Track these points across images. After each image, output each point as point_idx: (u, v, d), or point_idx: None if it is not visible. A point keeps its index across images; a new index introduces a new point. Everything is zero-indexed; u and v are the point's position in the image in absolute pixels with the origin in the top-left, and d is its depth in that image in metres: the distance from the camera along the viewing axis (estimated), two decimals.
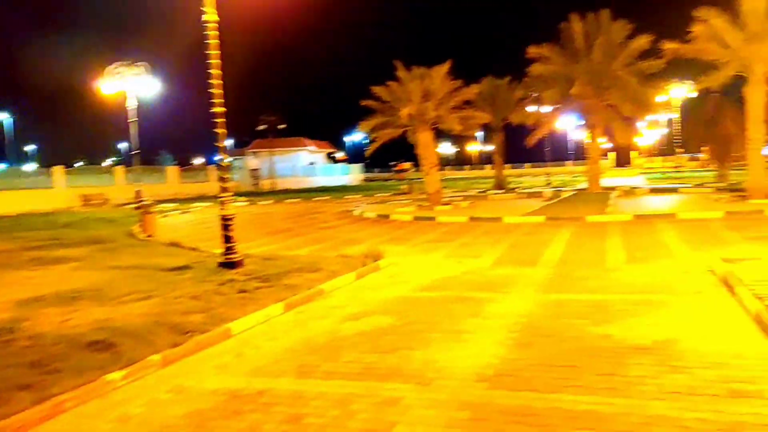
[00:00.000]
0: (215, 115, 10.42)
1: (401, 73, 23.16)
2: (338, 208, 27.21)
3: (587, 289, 8.20)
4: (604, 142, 25.28)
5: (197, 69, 11.91)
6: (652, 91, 24.77)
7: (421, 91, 22.58)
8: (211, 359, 6.05)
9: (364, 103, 23.85)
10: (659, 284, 8.17)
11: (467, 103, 24.66)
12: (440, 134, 24.96)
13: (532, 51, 25.07)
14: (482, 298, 7.98)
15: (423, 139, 22.98)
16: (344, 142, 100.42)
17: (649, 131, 70.13)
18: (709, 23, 17.16)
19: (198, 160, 73.44)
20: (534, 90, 26.80)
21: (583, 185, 33.55)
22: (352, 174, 69.52)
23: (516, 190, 31.33)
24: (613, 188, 26.48)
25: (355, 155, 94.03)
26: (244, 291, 8.51)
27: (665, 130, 73.15)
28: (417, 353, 5.84)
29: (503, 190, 30.95)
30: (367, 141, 35.57)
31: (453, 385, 4.94)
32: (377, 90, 23.41)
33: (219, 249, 10.69)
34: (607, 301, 7.35)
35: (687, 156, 61.36)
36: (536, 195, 25.96)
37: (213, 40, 10.35)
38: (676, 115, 37.82)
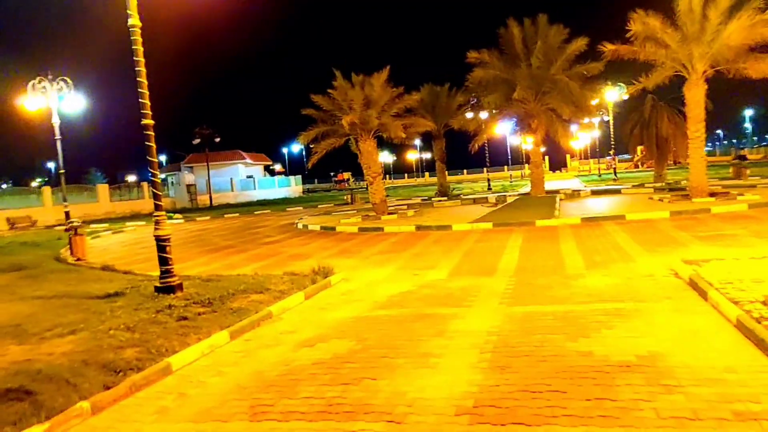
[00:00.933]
0: (145, 127, 9.51)
1: (340, 81, 22.57)
2: (280, 221, 26.28)
3: (553, 299, 7.80)
4: (532, 147, 25.36)
5: (127, 82, 11.01)
6: (591, 94, 25.19)
7: (363, 99, 22.06)
8: (150, 402, 5.25)
9: (304, 112, 23.13)
10: (626, 291, 7.86)
11: (408, 111, 24.34)
12: (380, 143, 24.50)
13: (472, 56, 25.05)
14: (445, 314, 7.43)
15: (366, 147, 22.45)
16: (282, 154, 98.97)
17: (583, 134, 72.17)
18: (646, 24, 17.41)
19: (131, 177, 70.38)
20: (475, 95, 26.78)
21: (525, 189, 33.93)
22: (292, 186, 68.26)
23: (460, 196, 31.23)
24: (556, 191, 26.74)
25: (293, 167, 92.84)
26: (184, 318, 7.67)
27: (597, 133, 75.48)
28: (383, 383, 5.21)
29: (447, 197, 30.78)
30: (306, 152, 34.85)
31: (430, 422, 4.34)
32: (317, 99, 22.73)
33: (155, 272, 9.75)
34: (577, 313, 6.94)
35: (618, 158, 63.52)
36: (481, 201, 25.86)
37: (138, 47, 9.47)
38: (608, 119, 38.76)
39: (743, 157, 37.55)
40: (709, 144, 63.85)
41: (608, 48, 18.61)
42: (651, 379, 4.75)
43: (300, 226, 21.74)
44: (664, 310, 6.72)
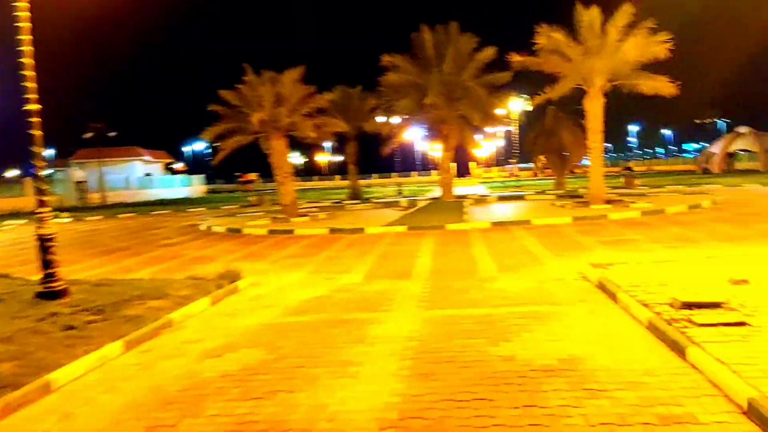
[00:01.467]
0: (30, 113, 8.52)
1: (250, 76, 21.75)
2: (181, 222, 24.93)
3: (470, 302, 7.71)
4: (443, 153, 25.85)
5: (9, 68, 9.83)
6: (499, 103, 25.92)
7: (273, 96, 21.36)
8: (29, 425, 4.60)
9: (211, 108, 22.04)
10: (539, 294, 7.91)
11: (320, 111, 23.90)
12: (290, 144, 23.88)
13: (386, 60, 25.02)
14: (363, 319, 7.13)
15: (276, 146, 21.75)
16: (184, 152, 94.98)
17: (486, 142, 74.79)
18: (551, 37, 18.09)
19: (12, 172, 64.62)
20: (388, 99, 26.78)
21: (434, 194, 34.42)
22: (194, 186, 65.50)
23: (372, 200, 31.16)
24: (464, 197, 27.27)
25: (196, 166, 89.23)
26: (71, 328, 6.85)
27: (501, 142, 78.62)
28: (301, 396, 4.82)
29: (359, 201, 30.59)
30: (211, 150, 33.48)
31: None
32: (225, 94, 21.76)
33: (37, 275, 8.74)
34: (495, 316, 6.87)
35: (520, 166, 66.47)
36: (393, 205, 25.86)
37: (24, 23, 8.49)
38: (512, 128, 40.35)
39: (630, 169, 40.43)
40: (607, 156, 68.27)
41: (516, 59, 19.17)
42: (575, 383, 4.68)
43: (203, 227, 20.68)
44: (579, 313, 6.79)
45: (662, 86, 17.71)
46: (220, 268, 10.18)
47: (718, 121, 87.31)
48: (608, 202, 19.05)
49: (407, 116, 27.38)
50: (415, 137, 45.68)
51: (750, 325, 5.34)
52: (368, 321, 7.02)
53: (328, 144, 61.48)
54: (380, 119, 30.45)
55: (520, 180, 46.75)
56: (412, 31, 25.74)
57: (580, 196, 23.65)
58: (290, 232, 17.70)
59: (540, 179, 60.61)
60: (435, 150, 75.55)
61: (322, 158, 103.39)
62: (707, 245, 10.88)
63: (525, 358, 5.34)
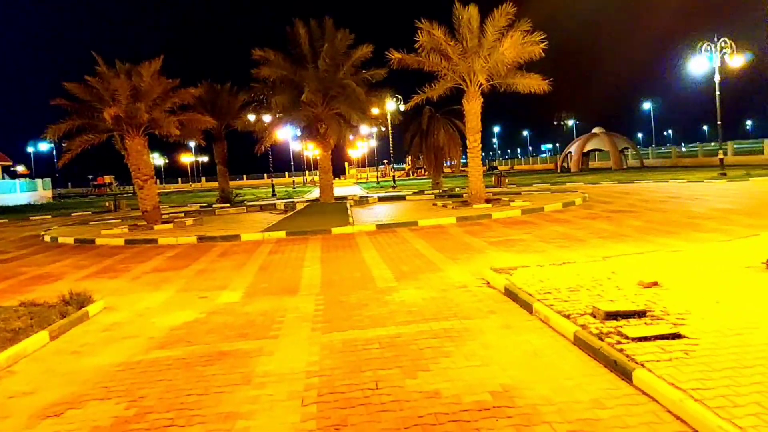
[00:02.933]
0: None
1: (102, 68, 19.28)
2: (21, 233, 21.67)
3: (373, 320, 6.77)
4: (321, 152, 24.83)
5: None
6: (377, 101, 25.40)
7: (130, 90, 19.06)
8: None
9: (55, 102, 19.27)
10: (446, 306, 7.17)
11: (185, 107, 21.86)
12: (152, 143, 21.61)
13: (257, 53, 23.56)
14: (247, 350, 5.93)
15: (134, 146, 19.45)
16: (28, 154, 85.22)
17: (360, 143, 74.81)
18: (432, 35, 17.74)
19: None
20: (262, 95, 25.27)
21: (312, 195, 33.28)
22: (39, 191, 58.54)
23: (245, 203, 29.31)
24: (344, 198, 26.44)
25: (42, 169, 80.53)
26: None
27: (374, 142, 78.98)
28: None
29: (230, 204, 28.64)
30: (58, 152, 29.63)
31: None
32: (72, 87, 19.11)
33: None
34: (405, 338, 5.99)
35: (395, 166, 67.11)
36: (269, 207, 24.38)
37: None
38: (385, 128, 40.11)
39: (496, 168, 42.28)
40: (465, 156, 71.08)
41: (395, 56, 18.63)
42: (520, 426, 3.88)
43: (48, 238, 17.94)
44: (494, 328, 6.09)
45: (537, 84, 18.04)
46: (65, 290, 8.38)
47: (571, 122, 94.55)
48: (488, 201, 19.12)
49: (281, 114, 26.00)
50: (289, 136, 44.09)
51: (686, 336, 4.90)
52: (254, 352, 5.84)
53: (193, 143, 57.74)
54: (252, 117, 28.79)
55: (397, 180, 46.85)
56: (286, 25, 24.52)
57: (459, 196, 23.78)
58: (153, 241, 15.76)
59: (414, 179, 61.69)
60: (309, 150, 74.39)
61: (187, 159, 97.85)
62: (595, 244, 10.86)
63: (452, 394, 4.48)
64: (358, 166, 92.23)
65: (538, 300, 6.54)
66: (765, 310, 5.46)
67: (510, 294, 7.23)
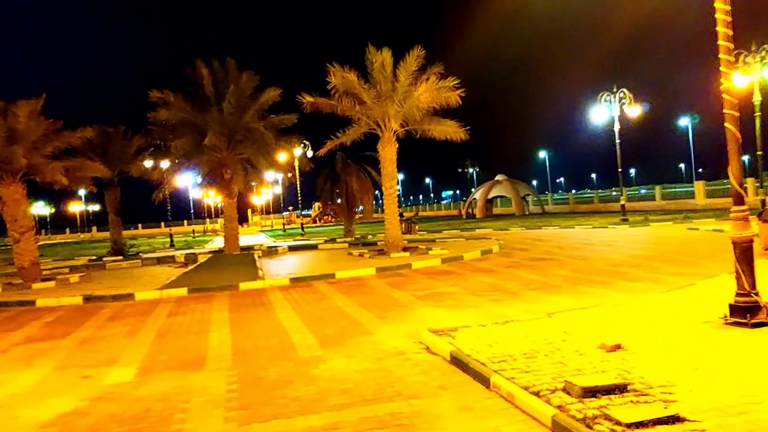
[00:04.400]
0: None
1: None
2: None
3: (300, 404, 5.57)
4: (226, 200, 23.21)
5: None
6: (287, 146, 24.32)
7: (5, 131, 16.85)
8: None
9: None
10: (386, 380, 6.10)
11: (72, 152, 19.75)
12: (34, 190, 19.23)
13: (155, 95, 21.91)
14: None
15: (11, 194, 17.09)
16: None
17: (265, 189, 72.94)
18: (344, 78, 17.11)
19: None
20: (160, 140, 23.47)
21: (214, 246, 31.24)
22: None
23: (140, 255, 26.83)
24: (250, 248, 24.82)
25: None
26: None
27: (278, 189, 77.33)
28: None
29: (123, 257, 26.10)
30: None
31: None
32: None
33: None
34: (344, 429, 4.86)
35: (300, 213, 65.58)
36: (168, 260, 22.29)
37: None
38: (290, 174, 38.98)
39: (401, 214, 42.10)
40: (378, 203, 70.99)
41: (306, 99, 17.82)
42: None
43: None
44: (451, 412, 5.10)
45: (453, 132, 17.80)
46: None
47: (472, 170, 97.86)
48: (405, 249, 18.41)
49: (181, 159, 24.24)
50: (189, 182, 41.79)
51: (687, 419, 4.15)
52: None
53: (83, 191, 53.52)
54: (149, 163, 26.74)
55: (305, 227, 45.46)
56: (187, 67, 23.11)
57: (374, 244, 22.99)
58: (29, 303, 13.57)
59: (321, 226, 60.54)
60: (210, 197, 71.39)
61: (77, 207, 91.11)
62: (529, 297, 10.27)
63: None
64: (262, 213, 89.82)
65: (495, 371, 5.65)
66: (755, 379, 4.87)
67: (458, 363, 6.29)
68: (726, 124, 6.69)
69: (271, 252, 22.98)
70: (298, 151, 33.93)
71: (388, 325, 8.80)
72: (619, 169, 29.23)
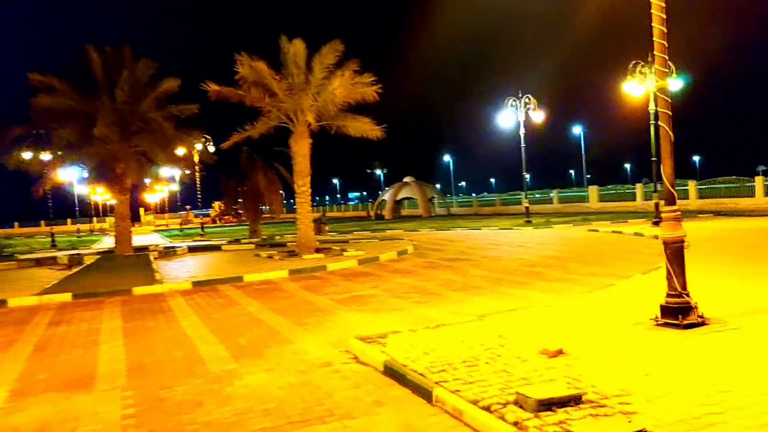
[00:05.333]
0: None
1: None
2: None
3: (215, 430, 4.76)
4: (117, 196, 21.22)
5: None
6: (189, 139, 22.71)
7: None
8: None
9: None
10: (313, 396, 5.41)
11: None
12: None
13: (35, 78, 19.70)
14: None
15: None
16: None
17: (161, 186, 69.10)
18: (254, 68, 16.10)
19: None
20: (41, 128, 21.13)
21: (103, 246, 28.82)
22: None
23: (16, 256, 24.07)
24: (144, 249, 22.96)
25: None
26: None
27: (175, 186, 73.55)
28: None
29: None
30: None
31: None
32: None
33: None
34: None
35: (199, 212, 62.65)
36: (48, 262, 20.09)
37: None
38: (187, 171, 36.87)
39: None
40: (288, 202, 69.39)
41: (212, 88, 16.60)
42: None
43: None
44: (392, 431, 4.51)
45: (369, 129, 17.29)
46: None
47: (379, 171, 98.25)
48: (318, 251, 17.65)
49: (66, 151, 21.99)
50: (74, 177, 38.41)
51: None
52: None
53: None
54: (28, 154, 24.08)
55: (205, 227, 43.26)
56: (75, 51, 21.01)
57: (283, 245, 22.03)
58: None
59: (222, 226, 58.12)
60: (99, 194, 66.55)
61: None
62: (453, 298, 9.91)
63: None
64: (157, 212, 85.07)
65: (437, 383, 5.13)
66: (707, 385, 4.66)
67: (393, 374, 5.72)
68: (659, 123, 6.61)
69: (168, 253, 21.33)
70: (199, 146, 32.12)
71: (309, 332, 8.07)
72: (524, 173, 30.10)
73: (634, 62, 21.85)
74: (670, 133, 6.54)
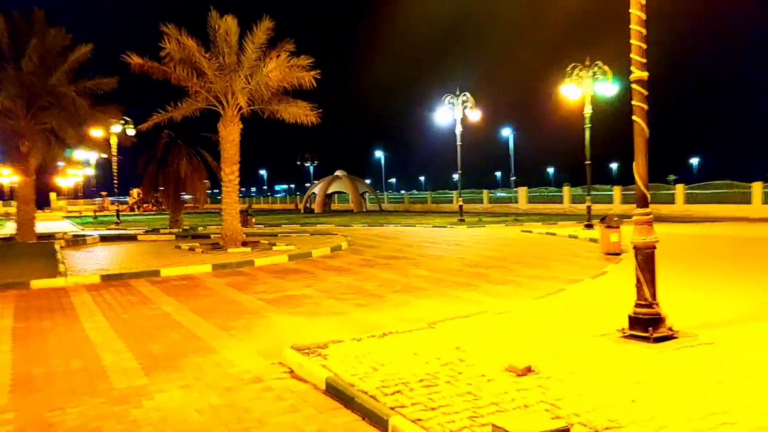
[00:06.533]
0: None
1: None
2: None
3: None
4: (21, 177, 19.06)
5: None
6: (103, 119, 20.75)
7: None
8: None
9: None
10: (243, 426, 4.45)
11: None
12: None
13: None
14: None
15: None
16: None
17: (74, 170, 64.68)
18: (182, 44, 14.69)
19: None
20: None
21: (3, 232, 26.18)
22: None
23: None
24: (51, 237, 20.86)
25: None
26: None
27: (91, 170, 69.18)
28: None
29: None
30: None
31: None
32: None
33: None
34: None
35: (116, 199, 59.00)
36: None
37: None
38: (104, 156, 34.32)
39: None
40: (219, 191, 66.35)
41: (135, 60, 15.03)
42: None
43: None
44: None
45: (305, 114, 16.25)
46: None
47: (308, 164, 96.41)
48: (245, 244, 16.45)
49: None
50: None
51: None
52: None
53: None
54: None
55: (121, 216, 40.50)
56: None
57: (207, 236, 20.62)
58: None
59: (140, 215, 55.03)
60: (5, 175, 61.41)
61: None
62: (396, 300, 9.14)
63: None
64: (70, 198, 79.79)
65: (393, 408, 4.32)
66: (702, 413, 4.09)
67: (338, 395, 4.85)
68: (634, 118, 6.07)
69: (77, 242, 19.40)
70: (117, 128, 29.81)
71: (235, 338, 7.06)
72: (459, 171, 29.79)
73: (572, 65, 21.91)
74: (645, 129, 6.02)
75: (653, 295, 5.94)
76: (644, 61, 5.97)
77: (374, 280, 11.16)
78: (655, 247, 6.04)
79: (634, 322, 5.97)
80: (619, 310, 7.22)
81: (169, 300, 9.65)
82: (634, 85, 6.03)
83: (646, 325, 5.85)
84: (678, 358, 5.33)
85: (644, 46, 5.99)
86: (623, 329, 6.09)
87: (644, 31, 6.00)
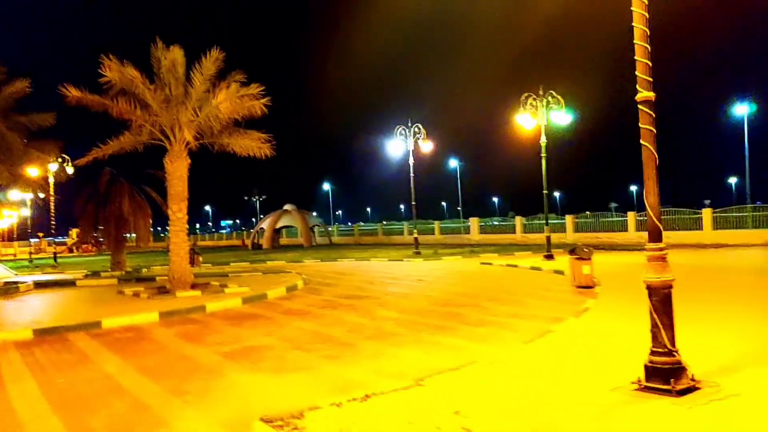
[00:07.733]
0: None
1: None
2: None
3: None
4: None
5: None
6: (39, 158, 19.21)
7: None
8: None
9: None
10: None
11: None
12: None
13: None
14: None
15: None
16: None
17: (8, 211, 60.94)
18: (123, 74, 13.65)
19: None
20: None
21: None
22: None
23: None
24: None
25: None
26: None
27: (27, 211, 65.46)
28: None
29: None
30: None
31: None
32: None
33: None
34: None
35: (53, 240, 55.78)
36: None
37: None
38: (41, 195, 32.29)
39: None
40: (162, 229, 63.61)
41: (72, 93, 13.86)
42: None
43: None
44: None
45: (257, 147, 15.36)
46: None
47: (257, 199, 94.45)
48: (194, 286, 15.22)
49: None
50: None
51: None
52: None
53: None
54: None
55: (59, 258, 38.06)
56: None
57: (152, 279, 19.20)
58: None
59: (79, 256, 52.25)
60: None
61: None
62: (370, 350, 8.25)
63: None
64: (4, 240, 75.22)
65: None
66: None
67: None
68: (642, 141, 5.54)
69: (8, 289, 17.59)
70: (54, 166, 27.99)
71: (191, 406, 6.02)
72: (413, 202, 29.36)
73: (525, 95, 21.95)
74: (655, 154, 5.50)
75: (672, 341, 5.34)
76: (650, 79, 5.48)
77: (340, 325, 10.26)
78: (671, 286, 5.46)
79: (652, 372, 5.33)
80: (622, 355, 6.64)
81: (111, 358, 8.47)
82: (641, 106, 5.53)
83: (667, 376, 5.22)
84: (710, 416, 4.70)
85: (650, 63, 5.52)
86: (638, 380, 5.44)
87: (649, 47, 5.54)
